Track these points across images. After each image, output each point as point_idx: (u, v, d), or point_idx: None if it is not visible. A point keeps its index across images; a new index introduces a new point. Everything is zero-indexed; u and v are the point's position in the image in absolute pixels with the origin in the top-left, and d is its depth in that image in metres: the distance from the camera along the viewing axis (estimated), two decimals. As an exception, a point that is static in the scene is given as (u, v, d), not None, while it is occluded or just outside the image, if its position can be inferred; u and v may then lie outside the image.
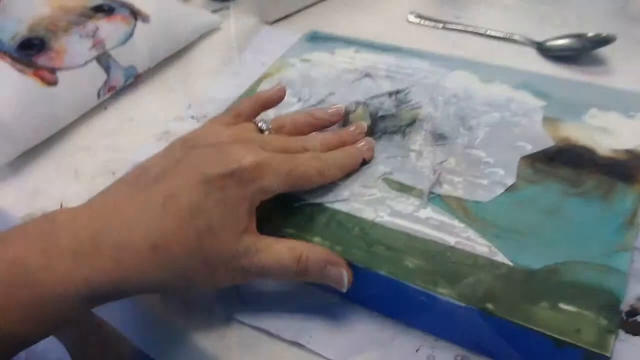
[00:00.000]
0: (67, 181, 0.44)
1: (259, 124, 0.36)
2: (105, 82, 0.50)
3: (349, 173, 0.36)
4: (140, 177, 0.32)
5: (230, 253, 0.30)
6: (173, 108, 0.50)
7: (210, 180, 0.29)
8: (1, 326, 0.26)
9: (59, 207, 0.41)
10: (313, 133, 0.38)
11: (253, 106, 0.37)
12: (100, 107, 0.51)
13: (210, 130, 0.35)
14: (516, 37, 0.54)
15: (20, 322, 0.27)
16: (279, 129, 0.36)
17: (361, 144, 0.37)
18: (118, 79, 0.51)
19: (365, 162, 0.37)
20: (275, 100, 0.38)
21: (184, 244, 0.29)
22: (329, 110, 0.39)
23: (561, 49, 0.51)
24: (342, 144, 0.37)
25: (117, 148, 0.46)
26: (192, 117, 0.48)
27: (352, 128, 0.38)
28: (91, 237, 0.29)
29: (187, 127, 0.46)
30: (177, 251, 0.29)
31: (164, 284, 0.30)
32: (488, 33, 0.55)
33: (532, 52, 0.53)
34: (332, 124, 0.39)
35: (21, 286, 0.27)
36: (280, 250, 0.30)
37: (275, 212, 0.34)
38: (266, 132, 0.35)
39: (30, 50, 0.46)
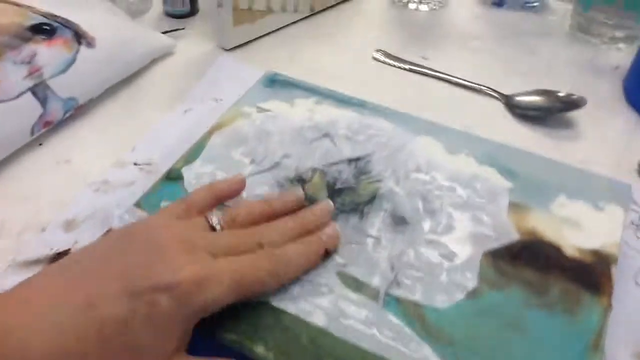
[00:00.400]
0: None
1: (211, 220, 0.32)
2: (41, 117, 0.45)
3: None
4: (68, 270, 0.28)
5: None
6: (116, 148, 0.45)
7: (137, 293, 0.26)
8: None
9: None
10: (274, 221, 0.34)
11: (207, 198, 0.33)
12: (34, 142, 0.46)
13: (154, 224, 0.31)
14: (484, 89, 0.52)
15: None
16: (232, 221, 0.32)
17: (325, 232, 0.34)
18: (56, 113, 0.46)
19: (327, 254, 0.34)
20: (232, 193, 0.35)
21: (102, 357, 0.26)
22: (287, 199, 0.35)
23: (529, 107, 0.49)
24: (304, 231, 0.34)
25: (50, 198, 0.42)
26: (135, 163, 0.44)
27: (316, 209, 0.35)
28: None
29: (128, 177, 0.42)
30: None
31: None
32: (455, 80, 0.53)
33: (499, 106, 0.51)
34: (291, 211, 0.35)
35: None
36: None
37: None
38: (218, 228, 0.32)
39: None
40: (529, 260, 0.34)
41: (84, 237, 0.38)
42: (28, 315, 0.26)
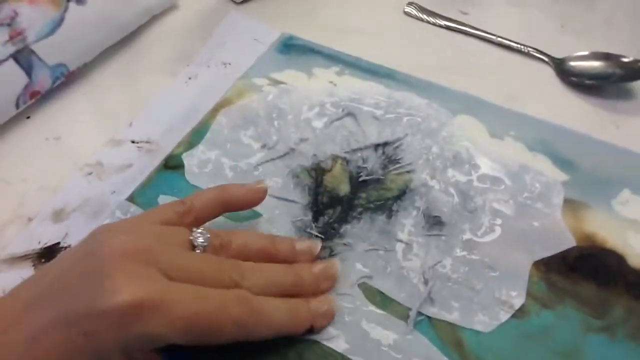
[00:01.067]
0: None
1: (195, 238, 0.26)
2: (27, 87, 0.40)
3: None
4: (17, 299, 0.25)
5: None
6: (112, 121, 0.40)
7: (72, 323, 0.22)
8: None
9: None
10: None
11: (212, 203, 0.28)
12: (20, 116, 0.41)
13: (113, 230, 0.26)
14: (531, 51, 0.45)
15: None
16: (221, 247, 0.26)
17: (319, 307, 0.27)
18: (43, 82, 0.41)
19: (311, 330, 0.27)
20: (246, 203, 0.29)
21: None
22: (298, 247, 0.29)
23: (584, 74, 0.43)
24: (295, 290, 0.27)
25: (36, 182, 0.37)
26: (133, 141, 0.39)
27: (319, 269, 0.28)
28: None
29: (125, 157, 0.38)
30: None
31: None
32: (498, 41, 0.46)
33: (548, 72, 0.44)
34: (296, 262, 0.29)
35: None
36: None
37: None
38: (199, 252, 0.26)
39: None
40: (587, 272, 0.29)
41: (75, 228, 0.34)
42: None
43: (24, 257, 0.33)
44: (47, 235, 0.34)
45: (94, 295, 0.22)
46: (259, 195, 0.29)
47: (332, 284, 0.28)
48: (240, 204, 0.29)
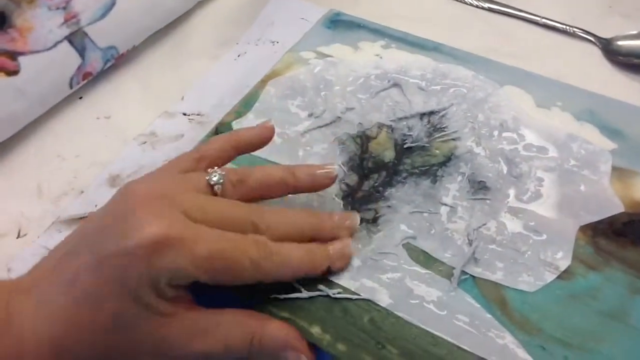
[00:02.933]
0: (28, 199, 0.38)
1: (211, 178, 0.27)
2: (79, 68, 0.42)
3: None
4: (59, 250, 0.27)
5: (151, 344, 0.24)
6: (160, 101, 0.42)
7: (103, 262, 0.24)
8: None
9: (16, 231, 0.36)
10: (288, 196, 0.30)
11: (224, 148, 0.29)
12: (73, 97, 0.44)
13: (141, 181, 0.28)
14: (577, 32, 0.45)
15: None
16: (239, 183, 0.28)
17: (336, 246, 0.28)
18: (95, 63, 0.43)
19: (329, 271, 0.28)
20: (257, 143, 0.30)
21: (88, 340, 0.24)
22: (318, 172, 0.29)
23: (633, 53, 0.43)
24: (314, 234, 0.28)
25: (89, 158, 0.40)
26: (184, 114, 0.41)
27: (338, 216, 0.30)
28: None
29: (176, 129, 0.40)
30: (81, 350, 0.24)
31: None
32: (543, 22, 0.46)
33: (596, 53, 0.44)
34: (315, 190, 0.30)
35: None
36: (228, 330, 0.25)
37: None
38: (217, 189, 0.27)
39: (-13, 29, 0.39)
40: (635, 237, 0.29)
41: (130, 193, 0.37)
42: (28, 303, 0.25)
43: (81, 219, 0.36)
44: (103, 199, 0.36)
45: (121, 234, 0.24)
46: (267, 133, 0.30)
47: (351, 232, 0.29)
48: (252, 143, 0.30)
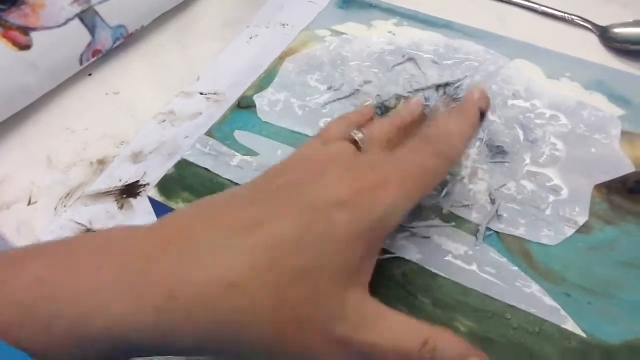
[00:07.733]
0: (39, 169, 0.39)
1: (355, 136, 0.29)
2: (90, 45, 0.44)
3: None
4: (232, 199, 0.26)
5: (327, 313, 0.23)
6: (169, 77, 0.45)
7: (308, 209, 0.23)
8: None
9: (27, 199, 0.37)
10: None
11: (342, 126, 0.31)
12: (82, 73, 0.45)
13: (304, 154, 0.29)
14: (575, 19, 0.48)
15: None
16: (370, 142, 0.29)
17: (473, 92, 0.30)
18: (105, 41, 0.45)
19: (482, 117, 0.30)
20: (366, 121, 0.32)
21: (270, 289, 0.22)
22: (411, 106, 0.32)
23: (630, 40, 0.45)
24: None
25: (98, 131, 0.41)
26: (202, 93, 0.43)
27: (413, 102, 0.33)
28: (142, 266, 0.22)
29: (194, 108, 0.42)
30: (260, 298, 0.22)
31: (228, 349, 0.22)
32: (540, 10, 0.49)
33: (593, 40, 0.47)
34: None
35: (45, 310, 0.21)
36: (399, 328, 0.24)
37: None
38: (361, 145, 0.29)
39: (1, 5, 0.40)
40: (647, 194, 0.32)
41: (153, 168, 0.38)
42: (185, 248, 0.22)
43: (107, 194, 0.37)
44: (127, 175, 0.38)
45: (329, 187, 0.25)
46: (371, 111, 0.33)
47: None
48: (361, 123, 0.31)
